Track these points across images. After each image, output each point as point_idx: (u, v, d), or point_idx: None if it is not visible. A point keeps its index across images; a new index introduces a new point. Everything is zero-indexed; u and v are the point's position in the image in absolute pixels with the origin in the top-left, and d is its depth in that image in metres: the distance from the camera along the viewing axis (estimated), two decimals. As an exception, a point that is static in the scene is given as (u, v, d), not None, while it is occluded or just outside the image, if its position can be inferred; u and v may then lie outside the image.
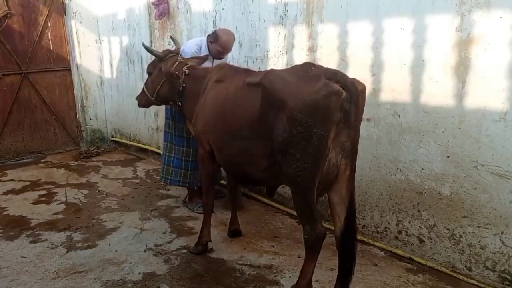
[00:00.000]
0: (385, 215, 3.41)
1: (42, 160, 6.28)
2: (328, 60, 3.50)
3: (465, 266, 2.96)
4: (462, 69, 2.78)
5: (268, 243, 3.59)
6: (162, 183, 4.95)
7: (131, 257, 3.39)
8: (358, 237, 3.42)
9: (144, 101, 3.88)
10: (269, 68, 3.61)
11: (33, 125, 6.44)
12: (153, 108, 5.56)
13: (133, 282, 3.04)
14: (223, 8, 4.48)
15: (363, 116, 2.65)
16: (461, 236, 2.95)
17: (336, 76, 2.39)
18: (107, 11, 6.37)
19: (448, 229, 3.02)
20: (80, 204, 4.55)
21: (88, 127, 6.84)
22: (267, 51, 4.09)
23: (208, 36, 3.89)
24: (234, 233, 3.70)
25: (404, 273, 3.10)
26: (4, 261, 3.36)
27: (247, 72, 3.11)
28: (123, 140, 6.82)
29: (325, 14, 3.51)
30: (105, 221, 4.10)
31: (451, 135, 2.89)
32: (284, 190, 4.05)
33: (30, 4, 6.10)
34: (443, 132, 2.93)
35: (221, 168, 4.09)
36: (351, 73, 3.05)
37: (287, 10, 3.81)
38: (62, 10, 6.37)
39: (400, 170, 3.23)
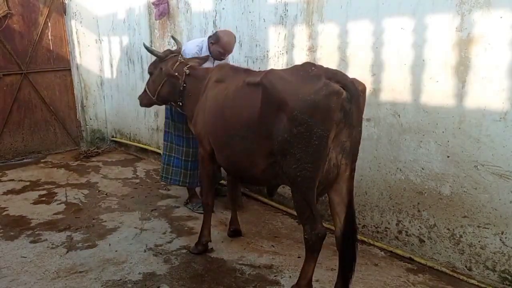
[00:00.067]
0: (385, 215, 3.41)
1: (42, 160, 6.28)
2: (328, 60, 3.50)
3: (465, 266, 2.96)
4: (462, 69, 2.78)
5: (268, 243, 3.59)
6: (162, 183, 4.96)
7: (131, 257, 3.39)
8: (358, 237, 3.43)
9: (145, 100, 3.89)
10: (269, 68, 3.61)
11: (33, 125, 6.44)
12: (153, 108, 5.57)
13: (133, 282, 3.04)
14: (223, 8, 4.48)
15: (363, 116, 2.65)
16: (461, 236, 2.95)
17: (336, 76, 2.39)
18: (107, 11, 6.37)
19: (448, 229, 3.02)
20: (80, 204, 4.55)
21: (88, 127, 6.84)
22: (267, 51, 4.09)
23: (209, 37, 3.89)
24: (234, 233, 3.70)
25: (404, 273, 3.10)
26: (4, 261, 3.36)
27: (247, 72, 3.11)
28: (123, 140, 6.82)
29: (325, 14, 3.51)
30: (105, 221, 4.10)
31: (451, 135, 2.89)
32: (284, 190, 4.05)
33: (30, 4, 6.10)
34: (443, 132, 2.93)
35: (221, 168, 4.11)
36: (351, 73, 3.05)
37: (287, 10, 3.81)
38: (62, 10, 6.37)
39: (400, 170, 3.23)
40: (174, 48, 3.91)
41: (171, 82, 3.56)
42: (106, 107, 6.98)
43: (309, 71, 2.45)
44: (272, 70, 2.71)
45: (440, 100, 2.91)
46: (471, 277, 2.92)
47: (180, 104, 3.60)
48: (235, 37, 3.87)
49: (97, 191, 4.95)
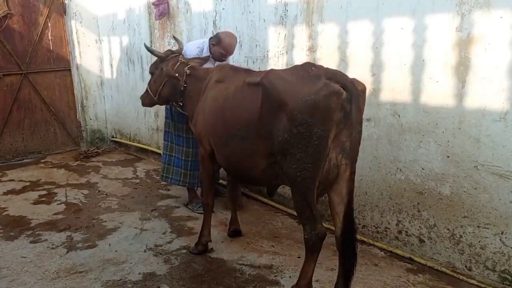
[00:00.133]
0: (385, 215, 3.41)
1: (42, 160, 6.28)
2: (328, 60, 3.50)
3: (465, 266, 2.96)
4: (462, 69, 2.78)
5: (268, 243, 3.59)
6: (162, 183, 4.97)
7: (131, 257, 3.39)
8: (358, 237, 3.42)
9: (147, 100, 3.90)
10: (269, 68, 3.61)
11: (33, 125, 6.44)
12: (153, 108, 5.58)
13: (133, 282, 3.04)
14: (223, 8, 4.48)
15: (363, 116, 2.65)
16: (461, 236, 2.95)
17: (336, 76, 2.39)
18: (107, 11, 6.37)
19: (448, 229, 3.02)
20: (80, 204, 4.55)
21: (88, 127, 6.84)
22: (267, 51, 4.09)
23: (210, 38, 3.89)
24: (234, 233, 3.70)
25: (404, 273, 3.10)
26: (4, 261, 3.36)
27: (248, 72, 3.11)
28: (123, 140, 6.82)
29: (325, 14, 3.51)
30: (105, 221, 4.10)
31: (451, 135, 2.89)
32: (284, 190, 4.05)
33: (30, 4, 6.10)
34: (443, 132, 2.93)
35: (219, 169, 4.11)
36: (351, 73, 3.05)
37: (287, 10, 3.81)
38: (62, 10, 6.37)
39: (400, 170, 3.23)
40: (175, 48, 3.91)
41: (171, 82, 3.56)
42: (106, 107, 6.98)
43: (309, 71, 2.45)
44: (272, 70, 2.71)
45: (440, 100, 2.92)
46: (471, 277, 2.92)
47: (181, 104, 3.60)
48: (236, 38, 3.88)
49: (97, 191, 4.95)
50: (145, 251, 3.48)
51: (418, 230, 3.20)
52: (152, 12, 5.42)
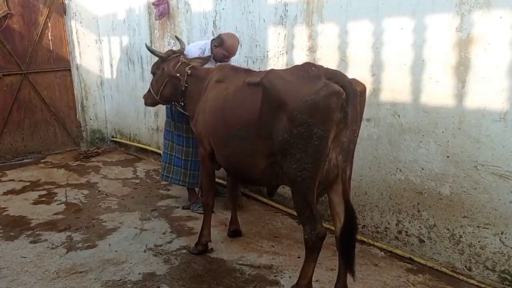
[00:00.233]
0: (385, 215, 3.41)
1: (42, 160, 6.28)
2: (328, 60, 3.50)
3: (465, 266, 2.96)
4: (462, 69, 2.78)
5: (268, 243, 3.59)
6: (162, 183, 4.98)
7: (131, 257, 3.39)
8: (358, 237, 3.43)
9: (150, 100, 3.90)
10: (269, 68, 3.61)
11: (33, 125, 6.44)
12: (153, 108, 5.57)
13: (133, 282, 3.04)
14: (223, 8, 4.48)
15: (363, 116, 2.65)
16: (461, 236, 2.95)
17: (336, 76, 2.39)
18: (107, 11, 6.37)
19: (448, 229, 3.02)
20: (80, 204, 4.55)
21: (88, 127, 6.84)
22: (267, 51, 4.09)
23: (212, 40, 3.89)
24: (234, 233, 3.70)
25: (404, 273, 3.10)
26: (4, 261, 3.36)
27: (248, 72, 3.11)
28: (123, 140, 6.82)
29: (325, 14, 3.51)
30: (105, 221, 4.10)
31: (451, 135, 2.89)
32: (284, 190, 4.05)
33: (30, 4, 6.10)
34: (443, 132, 2.94)
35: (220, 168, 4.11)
36: (351, 73, 3.06)
37: (287, 10, 3.81)
38: (62, 10, 6.37)
39: (400, 170, 3.23)
40: (175, 48, 3.91)
41: (173, 82, 3.56)
42: (106, 107, 6.98)
43: (309, 71, 2.45)
44: (272, 70, 2.71)
45: (440, 100, 2.92)
46: (471, 277, 2.92)
47: (182, 104, 3.61)
48: (238, 40, 3.88)
49: (97, 191, 4.95)
50: (145, 251, 3.48)
51: (418, 230, 3.20)
52: (152, 12, 5.42)
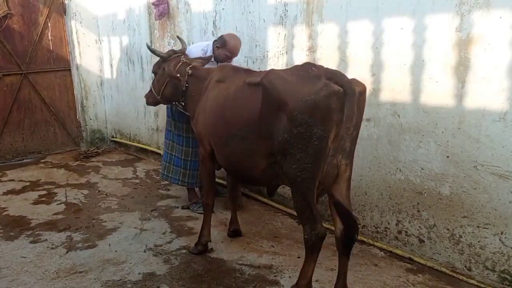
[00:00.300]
0: (385, 215, 3.41)
1: (42, 160, 6.28)
2: (328, 60, 3.50)
3: (465, 266, 2.96)
4: (461, 69, 2.78)
5: (268, 243, 3.59)
6: (162, 183, 4.98)
7: (131, 257, 3.39)
8: (358, 237, 3.43)
9: (151, 99, 3.90)
10: (269, 68, 3.61)
11: (33, 125, 6.44)
12: (153, 108, 5.58)
13: (133, 282, 3.04)
14: (223, 8, 4.48)
15: (363, 116, 2.65)
16: (460, 236, 2.95)
17: (335, 76, 2.39)
18: (107, 11, 6.37)
19: (447, 229, 3.02)
20: (80, 204, 4.55)
21: (88, 127, 6.84)
22: (267, 51, 4.09)
23: (214, 41, 3.89)
24: (234, 233, 3.70)
25: (404, 273, 3.10)
26: (4, 261, 3.36)
27: (248, 72, 3.11)
28: (123, 140, 6.82)
29: (325, 14, 3.51)
30: (105, 221, 4.10)
31: (451, 135, 2.90)
32: (284, 190, 4.05)
33: (30, 4, 6.10)
34: (443, 132, 2.94)
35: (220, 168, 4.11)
36: (351, 73, 3.06)
37: (287, 10, 3.81)
38: (62, 10, 6.37)
39: (400, 170, 3.23)
40: (175, 48, 3.91)
41: (173, 82, 3.56)
42: (106, 107, 6.98)
43: (309, 71, 2.45)
44: (272, 70, 2.71)
45: (440, 100, 2.92)
46: (471, 277, 2.92)
47: (183, 104, 3.61)
48: (240, 40, 3.89)
49: (97, 191, 4.96)
50: (145, 251, 3.48)
51: (418, 230, 3.20)
52: (152, 12, 5.42)
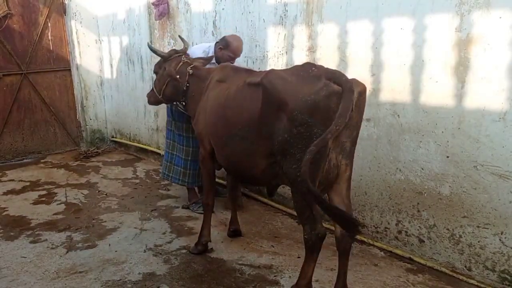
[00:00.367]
0: (385, 215, 3.41)
1: (42, 160, 6.28)
2: (328, 60, 3.50)
3: (465, 266, 2.96)
4: (461, 69, 2.78)
5: (268, 243, 3.59)
6: (162, 183, 4.98)
7: (131, 257, 3.39)
8: (358, 237, 3.44)
9: (153, 99, 3.90)
10: (269, 68, 3.61)
11: (33, 125, 6.44)
12: (153, 108, 5.59)
13: (133, 282, 3.04)
14: (223, 8, 4.48)
15: (363, 116, 2.65)
16: (460, 236, 2.96)
17: (335, 76, 2.39)
18: (107, 11, 6.37)
19: (447, 229, 3.02)
20: (80, 204, 4.55)
21: (88, 127, 6.84)
22: (267, 51, 4.09)
23: (217, 43, 3.89)
24: (234, 233, 3.70)
25: (404, 273, 3.10)
26: (4, 261, 3.36)
27: (248, 72, 3.11)
28: (123, 140, 6.82)
29: (325, 14, 3.51)
30: (105, 221, 4.10)
31: (451, 135, 2.90)
32: (284, 190, 4.05)
33: (30, 4, 6.10)
34: (442, 132, 2.94)
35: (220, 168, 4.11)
36: (351, 73, 3.06)
37: (287, 10, 3.81)
38: (62, 10, 6.37)
39: (400, 170, 3.23)
40: (176, 47, 3.91)
41: (174, 82, 3.56)
42: (106, 107, 6.99)
43: (309, 71, 2.45)
44: (272, 70, 2.71)
45: (440, 100, 2.92)
46: (471, 277, 2.92)
47: (184, 103, 3.61)
48: (242, 41, 3.89)
49: (97, 191, 4.96)
50: (145, 251, 3.48)
51: (418, 230, 3.20)
52: (152, 12, 5.42)
